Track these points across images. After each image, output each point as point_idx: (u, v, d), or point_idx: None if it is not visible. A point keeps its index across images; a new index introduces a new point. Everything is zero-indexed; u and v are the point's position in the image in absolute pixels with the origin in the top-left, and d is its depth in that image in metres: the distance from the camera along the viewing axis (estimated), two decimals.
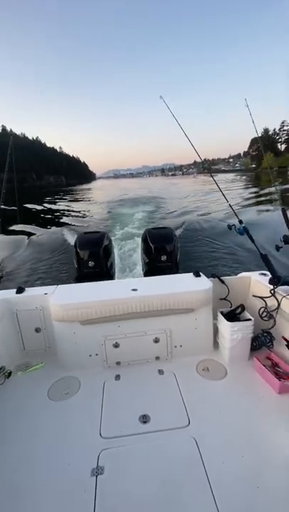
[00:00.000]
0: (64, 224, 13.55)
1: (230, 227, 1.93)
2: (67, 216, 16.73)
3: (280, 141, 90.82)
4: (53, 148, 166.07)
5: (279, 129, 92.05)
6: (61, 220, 15.55)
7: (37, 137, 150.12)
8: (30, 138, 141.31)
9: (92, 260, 2.65)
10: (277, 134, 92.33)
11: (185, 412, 1.48)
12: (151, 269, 2.75)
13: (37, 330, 1.98)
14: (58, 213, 18.70)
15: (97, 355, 1.86)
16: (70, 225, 12.82)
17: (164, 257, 2.70)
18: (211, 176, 2.41)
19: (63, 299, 1.83)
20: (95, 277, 2.58)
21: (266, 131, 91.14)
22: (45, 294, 1.93)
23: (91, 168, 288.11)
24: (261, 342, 1.85)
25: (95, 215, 16.30)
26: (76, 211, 19.42)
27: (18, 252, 7.78)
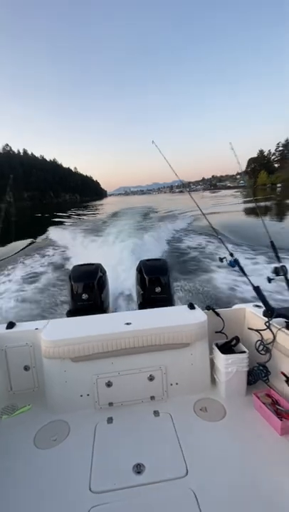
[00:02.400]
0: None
1: (221, 259, 1.93)
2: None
3: (275, 161, 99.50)
4: (68, 168, 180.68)
5: (275, 150, 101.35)
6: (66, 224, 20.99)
7: (54, 159, 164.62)
8: (48, 159, 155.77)
9: (86, 293, 2.62)
10: (274, 154, 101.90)
11: (182, 460, 1.37)
12: (146, 300, 2.73)
13: (26, 368, 1.88)
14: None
15: (88, 395, 1.76)
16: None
17: (158, 289, 2.70)
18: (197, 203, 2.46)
19: (54, 335, 1.76)
20: (88, 310, 2.53)
21: (261, 152, 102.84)
22: (36, 329, 1.85)
23: (102, 185, 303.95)
24: (257, 375, 1.80)
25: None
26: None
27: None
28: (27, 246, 13.15)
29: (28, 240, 14.37)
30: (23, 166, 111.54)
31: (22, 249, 12.40)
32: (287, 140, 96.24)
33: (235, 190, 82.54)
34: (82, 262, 3.15)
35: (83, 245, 11.34)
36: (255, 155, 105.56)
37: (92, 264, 2.98)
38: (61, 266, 9.11)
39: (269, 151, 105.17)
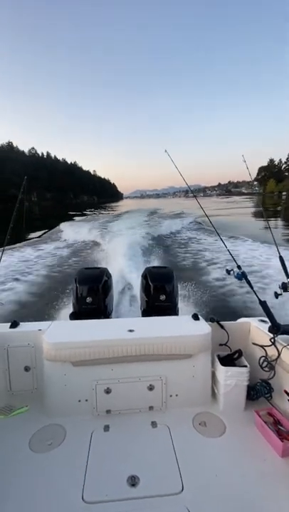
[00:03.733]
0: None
1: (228, 271, 1.90)
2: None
3: (286, 169, 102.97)
4: (88, 171, 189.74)
5: (287, 159, 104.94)
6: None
7: (74, 161, 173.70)
8: (69, 162, 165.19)
9: (91, 296, 2.63)
10: (286, 163, 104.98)
11: (178, 476, 1.33)
12: (150, 307, 2.73)
13: (26, 369, 1.88)
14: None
15: (86, 401, 1.74)
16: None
17: (162, 297, 2.69)
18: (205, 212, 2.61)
19: (57, 337, 1.76)
20: (91, 314, 2.54)
21: (271, 161, 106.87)
22: (39, 330, 1.85)
23: (119, 188, 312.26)
24: (259, 392, 1.76)
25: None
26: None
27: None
28: (43, 234, 18.11)
29: (44, 230, 19.48)
30: (46, 168, 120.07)
31: (39, 236, 17.19)
32: None
33: (245, 197, 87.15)
34: (88, 266, 3.27)
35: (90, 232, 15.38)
36: (266, 163, 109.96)
37: (98, 268, 3.03)
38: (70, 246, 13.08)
39: (280, 160, 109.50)
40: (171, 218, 23.61)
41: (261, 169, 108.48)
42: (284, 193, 76.94)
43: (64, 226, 19.84)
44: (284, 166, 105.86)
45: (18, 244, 13.06)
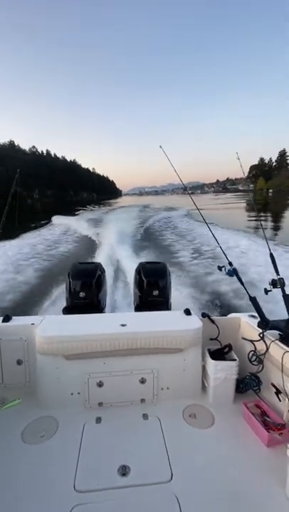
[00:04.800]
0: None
1: (220, 268, 1.94)
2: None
3: (274, 168, 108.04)
4: (87, 169, 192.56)
5: (276, 158, 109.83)
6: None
7: (74, 159, 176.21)
8: (68, 160, 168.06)
9: (84, 291, 2.64)
10: (276, 162, 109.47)
11: (168, 465, 1.37)
12: (143, 302, 2.75)
13: (19, 362, 1.90)
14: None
15: (79, 393, 1.77)
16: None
17: (156, 292, 2.71)
18: (200, 212, 2.57)
19: (49, 331, 1.78)
20: (85, 309, 2.55)
21: (262, 159, 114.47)
22: (32, 324, 1.88)
23: (118, 185, 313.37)
24: (248, 385, 1.80)
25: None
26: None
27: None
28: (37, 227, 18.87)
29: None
30: (47, 166, 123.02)
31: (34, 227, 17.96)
32: (284, 150, 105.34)
33: (236, 194, 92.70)
34: (82, 261, 3.30)
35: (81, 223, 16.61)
36: (258, 162, 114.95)
37: (92, 263, 3.05)
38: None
39: (270, 158, 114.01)
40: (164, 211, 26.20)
41: (252, 168, 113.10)
42: (271, 190, 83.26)
43: (56, 219, 21.08)
44: (274, 164, 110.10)
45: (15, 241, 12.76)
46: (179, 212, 24.76)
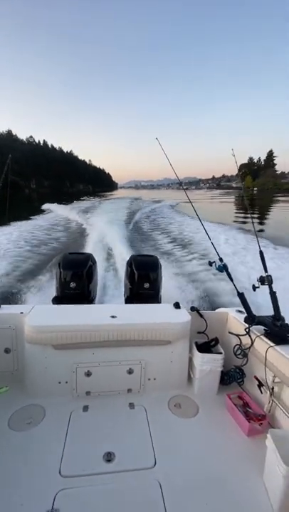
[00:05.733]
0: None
1: (210, 263, 1.97)
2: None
3: (262, 167, 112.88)
4: (84, 160, 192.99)
5: (265, 158, 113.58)
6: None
7: (71, 150, 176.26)
8: (65, 151, 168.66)
9: (74, 282, 2.64)
10: (265, 161, 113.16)
11: (152, 452, 1.41)
12: (133, 295, 2.76)
13: (6, 350, 1.90)
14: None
15: (66, 382, 1.78)
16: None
17: (146, 285, 2.73)
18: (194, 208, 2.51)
19: (38, 321, 1.78)
20: (75, 299, 2.55)
21: (251, 159, 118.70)
22: (21, 313, 1.87)
23: (114, 178, 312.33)
24: (232, 377, 1.86)
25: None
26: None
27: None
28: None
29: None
30: (45, 157, 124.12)
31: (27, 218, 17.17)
32: (271, 151, 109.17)
33: (227, 190, 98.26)
34: (73, 251, 3.20)
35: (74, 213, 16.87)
36: (250, 160, 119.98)
37: (83, 254, 3.04)
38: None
39: (259, 158, 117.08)
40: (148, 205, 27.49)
41: (242, 166, 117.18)
42: (255, 189, 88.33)
43: (48, 206, 21.60)
44: (263, 163, 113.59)
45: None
46: (164, 203, 27.43)
